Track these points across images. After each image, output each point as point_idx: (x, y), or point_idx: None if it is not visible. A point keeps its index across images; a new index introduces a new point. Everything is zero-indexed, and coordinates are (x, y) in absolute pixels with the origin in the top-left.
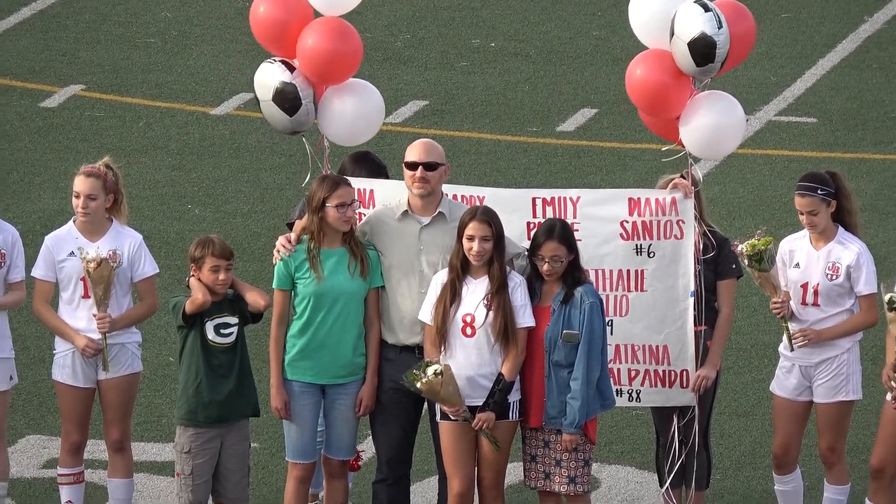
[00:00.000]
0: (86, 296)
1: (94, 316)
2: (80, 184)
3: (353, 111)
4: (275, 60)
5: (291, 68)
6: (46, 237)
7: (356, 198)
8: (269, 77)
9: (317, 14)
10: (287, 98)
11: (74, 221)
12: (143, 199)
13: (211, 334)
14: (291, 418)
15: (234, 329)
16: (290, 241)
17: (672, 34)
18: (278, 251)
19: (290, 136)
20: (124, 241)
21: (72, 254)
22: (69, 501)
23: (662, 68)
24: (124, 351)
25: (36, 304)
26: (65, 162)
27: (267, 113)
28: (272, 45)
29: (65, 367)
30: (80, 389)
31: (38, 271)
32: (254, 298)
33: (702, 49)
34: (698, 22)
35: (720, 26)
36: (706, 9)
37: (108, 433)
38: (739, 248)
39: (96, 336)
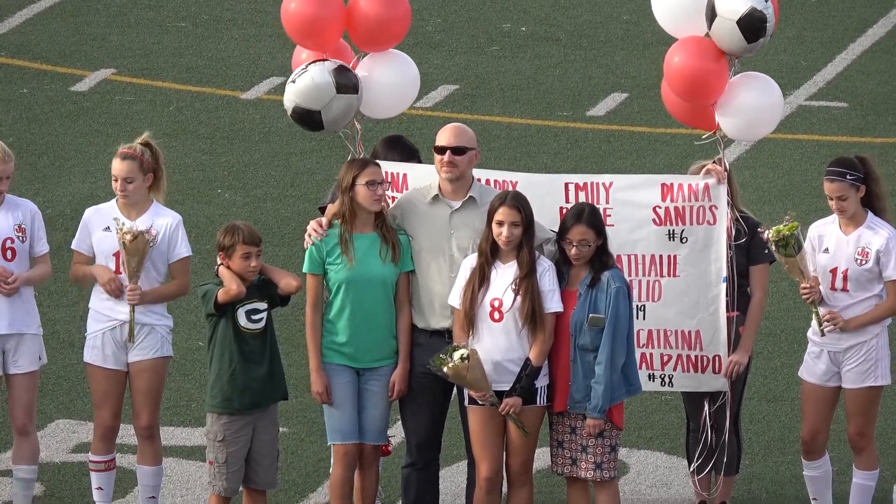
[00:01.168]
0: (117, 271)
1: (122, 274)
2: (117, 167)
3: (390, 81)
4: (307, 66)
5: (322, 59)
6: (87, 210)
7: (385, 179)
8: (318, 78)
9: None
10: (349, 80)
11: (117, 200)
12: (173, 183)
13: (243, 321)
14: (331, 399)
15: (264, 314)
16: (321, 226)
17: (713, 16)
18: (309, 235)
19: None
20: (163, 221)
21: (107, 229)
22: (99, 488)
23: (701, 54)
24: (154, 334)
25: (75, 272)
26: (95, 146)
27: (338, 111)
28: (305, 38)
29: (95, 349)
30: (111, 371)
31: (75, 243)
32: (287, 282)
33: (752, 24)
34: None
35: (767, 1)
36: None
37: (137, 419)
38: (766, 234)
39: (124, 313)
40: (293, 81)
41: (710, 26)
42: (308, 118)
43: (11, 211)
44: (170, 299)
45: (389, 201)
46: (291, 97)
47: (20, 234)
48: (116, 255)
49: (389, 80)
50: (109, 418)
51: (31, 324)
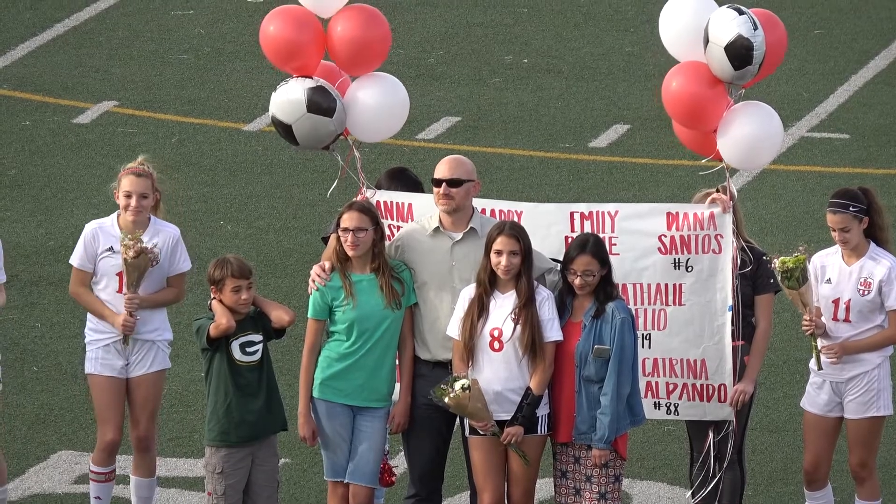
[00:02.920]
0: (119, 291)
1: (124, 294)
2: (133, 184)
3: (378, 104)
4: (287, 80)
5: (307, 76)
6: (88, 225)
7: (365, 226)
8: (292, 93)
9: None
10: (323, 99)
11: (118, 217)
12: (175, 214)
13: (237, 354)
14: (324, 440)
15: (259, 346)
16: (324, 270)
17: (707, 41)
18: (313, 280)
19: (320, 152)
20: (164, 236)
21: (110, 249)
22: (98, 497)
23: (699, 79)
24: (154, 348)
25: (74, 288)
26: (97, 178)
27: (306, 129)
28: (284, 62)
29: (97, 360)
30: (113, 380)
31: (76, 260)
32: (278, 316)
33: (739, 51)
34: (733, 25)
35: (755, 28)
36: (740, 12)
37: (135, 431)
38: (773, 263)
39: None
40: (275, 90)
41: (704, 51)
42: (282, 129)
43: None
44: (165, 305)
45: (394, 231)
46: (271, 106)
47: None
48: (119, 274)
49: (377, 103)
50: (113, 432)
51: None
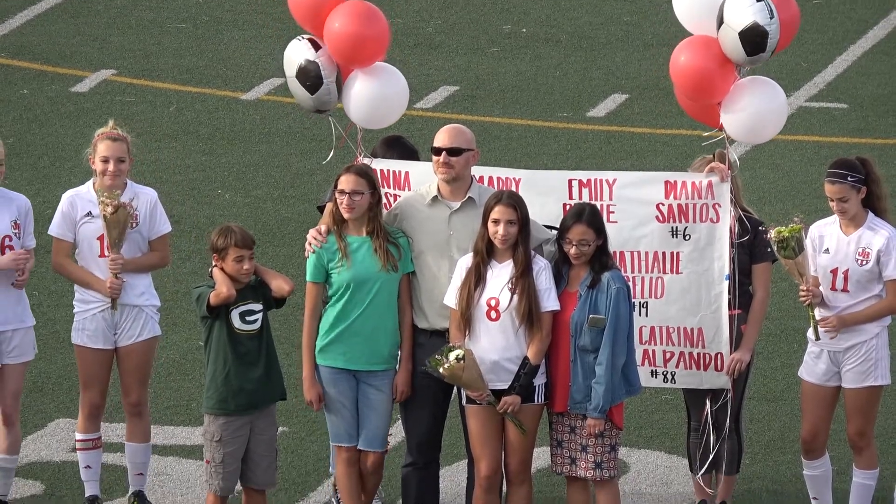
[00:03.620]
0: (102, 255)
1: (108, 256)
2: (109, 148)
3: (374, 94)
4: (303, 38)
5: (318, 47)
6: (65, 195)
7: (361, 189)
8: (294, 54)
9: None
10: (309, 76)
11: (94, 184)
12: (173, 183)
13: (237, 322)
14: (327, 405)
15: (259, 315)
16: (320, 233)
17: (721, 22)
18: (310, 244)
19: (320, 121)
20: (142, 199)
21: (89, 214)
22: (87, 466)
23: (708, 55)
24: (141, 315)
25: (57, 259)
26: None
27: (292, 88)
28: (306, 23)
29: (84, 331)
30: (99, 352)
31: (56, 230)
32: (278, 285)
33: (753, 39)
34: (750, 11)
35: (772, 16)
36: None
37: (127, 398)
38: (769, 233)
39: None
40: (294, 41)
41: (717, 31)
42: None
43: (7, 207)
44: (150, 270)
45: (391, 200)
46: (286, 53)
47: (16, 231)
48: (100, 238)
49: (376, 94)
50: (97, 397)
51: (26, 318)
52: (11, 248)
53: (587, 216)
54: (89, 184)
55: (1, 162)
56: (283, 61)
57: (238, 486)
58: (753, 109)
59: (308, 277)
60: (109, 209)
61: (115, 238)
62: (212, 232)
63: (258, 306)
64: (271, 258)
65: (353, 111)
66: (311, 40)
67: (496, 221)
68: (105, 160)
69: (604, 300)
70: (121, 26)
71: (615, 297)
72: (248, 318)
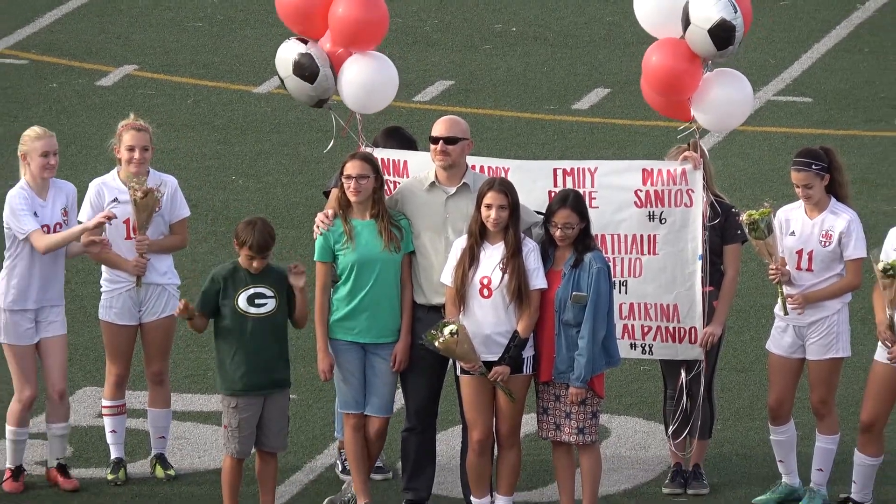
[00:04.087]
0: (128, 237)
1: (134, 238)
2: (134, 138)
3: (368, 81)
4: (290, 39)
5: (304, 41)
6: (92, 183)
7: (367, 173)
8: (286, 53)
9: None
10: (305, 68)
11: (118, 172)
12: (190, 170)
13: (244, 305)
14: (338, 373)
15: (271, 301)
16: (327, 217)
17: (688, 23)
18: (318, 227)
19: (325, 113)
20: (155, 183)
21: (115, 200)
22: (113, 431)
23: (676, 55)
24: (164, 293)
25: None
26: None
27: (291, 87)
28: (295, 25)
29: (112, 308)
30: (125, 327)
31: (84, 216)
32: (300, 316)
33: (722, 34)
34: (715, 9)
35: (736, 11)
36: None
37: (150, 368)
38: (741, 216)
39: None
40: (283, 44)
41: (684, 31)
42: (281, 81)
43: (58, 195)
44: (171, 251)
45: (391, 187)
46: (276, 57)
47: (66, 218)
48: (126, 221)
49: (370, 79)
50: (122, 368)
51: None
52: (105, 241)
53: (571, 201)
54: (113, 172)
55: (55, 153)
56: (276, 67)
57: (252, 449)
58: (722, 100)
59: (316, 258)
60: (139, 194)
61: (144, 221)
62: (240, 221)
63: (269, 292)
64: (281, 239)
65: (349, 97)
66: (297, 38)
67: (489, 206)
68: (131, 149)
69: (586, 279)
70: (142, 25)
71: (596, 276)
72: (256, 301)
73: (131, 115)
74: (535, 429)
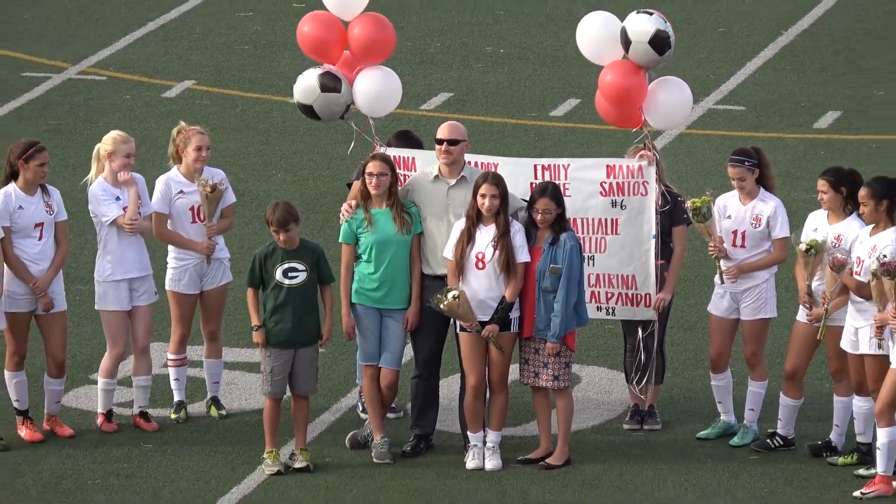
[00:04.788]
0: (194, 221)
1: (205, 224)
2: (201, 139)
3: (378, 90)
4: (306, 71)
5: (318, 66)
6: (160, 179)
7: (386, 171)
8: (307, 80)
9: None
10: (330, 80)
11: (178, 168)
12: (238, 166)
13: (279, 277)
14: (359, 332)
15: (302, 274)
16: (351, 207)
17: (628, 42)
18: (343, 214)
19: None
20: (216, 178)
21: (181, 192)
22: (176, 379)
23: (625, 73)
24: (221, 265)
25: (159, 228)
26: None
27: (323, 106)
28: (313, 54)
29: (180, 281)
30: (190, 296)
31: (157, 206)
32: (327, 330)
33: (660, 41)
34: (649, 24)
35: (665, 22)
36: (649, 13)
37: (206, 327)
38: (686, 203)
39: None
40: (295, 83)
41: (626, 51)
42: (306, 110)
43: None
44: (225, 232)
45: (402, 180)
46: (295, 94)
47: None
48: (191, 209)
49: (379, 89)
50: (185, 328)
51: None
52: (139, 218)
53: (550, 192)
54: (174, 169)
55: (133, 154)
56: (300, 98)
57: (288, 393)
58: (668, 103)
59: (341, 240)
60: (209, 189)
61: (212, 211)
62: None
63: (301, 266)
64: (312, 222)
65: (362, 102)
66: (314, 67)
67: (483, 195)
68: (198, 149)
69: (561, 254)
70: (199, 47)
71: (570, 251)
72: (290, 275)
73: (181, 122)
74: (518, 376)
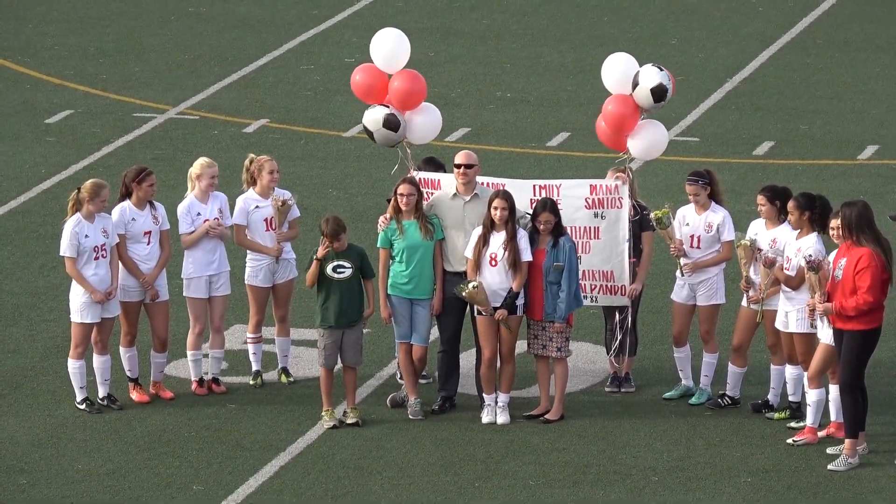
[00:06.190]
0: (267, 230)
1: (276, 232)
2: (272, 165)
3: (424, 123)
4: (372, 106)
5: (386, 105)
6: (240, 198)
7: (413, 192)
8: (374, 115)
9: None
10: (393, 121)
11: (254, 188)
12: (302, 186)
13: (330, 272)
14: (394, 317)
15: (348, 270)
16: (386, 219)
17: (636, 84)
18: (380, 225)
19: (387, 148)
20: (286, 195)
21: (257, 206)
22: (254, 353)
23: (626, 105)
24: (289, 264)
25: (238, 238)
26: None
27: (381, 137)
28: (365, 97)
29: (257, 276)
30: (265, 288)
31: (238, 219)
32: (368, 312)
33: (659, 93)
34: (657, 77)
35: (669, 80)
36: (660, 69)
37: (278, 311)
38: (651, 214)
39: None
40: (366, 111)
41: (633, 90)
42: (368, 133)
43: (215, 201)
44: (291, 239)
45: (428, 196)
46: (364, 119)
47: (220, 215)
48: (265, 220)
49: (425, 123)
50: (261, 314)
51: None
52: (222, 225)
53: (549, 206)
54: (251, 190)
55: (217, 175)
56: (366, 125)
57: (339, 364)
58: (649, 139)
59: (378, 245)
60: (280, 203)
61: (281, 221)
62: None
63: (347, 263)
64: (358, 231)
65: (412, 134)
66: (379, 105)
67: (496, 208)
68: (271, 172)
69: (562, 254)
70: (272, 93)
71: (568, 252)
72: (338, 270)
73: (250, 154)
74: (525, 350)
